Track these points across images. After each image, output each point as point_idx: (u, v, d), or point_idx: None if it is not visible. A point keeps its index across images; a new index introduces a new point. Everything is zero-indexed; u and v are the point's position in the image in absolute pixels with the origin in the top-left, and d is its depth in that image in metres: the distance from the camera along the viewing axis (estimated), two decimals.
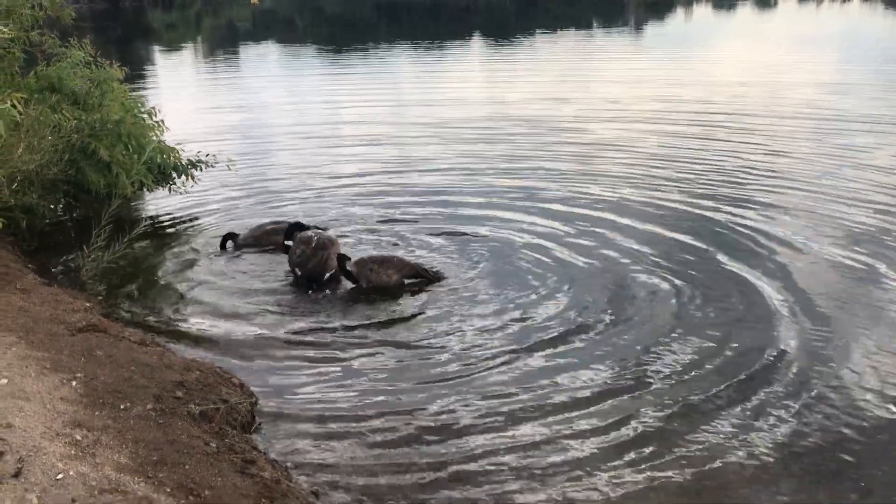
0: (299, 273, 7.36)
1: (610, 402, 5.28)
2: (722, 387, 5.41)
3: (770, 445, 4.75)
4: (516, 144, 13.65)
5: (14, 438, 3.68)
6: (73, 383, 4.46)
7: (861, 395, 5.32)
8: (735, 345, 6.03)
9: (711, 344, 6.05)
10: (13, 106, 5.54)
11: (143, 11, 71.63)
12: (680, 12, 72.10)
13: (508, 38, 42.25)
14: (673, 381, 5.51)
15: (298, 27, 57.98)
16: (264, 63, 31.51)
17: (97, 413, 4.18)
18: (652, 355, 5.91)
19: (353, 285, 7.25)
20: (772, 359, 5.80)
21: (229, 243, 8.33)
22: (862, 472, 4.55)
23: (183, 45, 41.23)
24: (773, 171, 11.30)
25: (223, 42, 43.59)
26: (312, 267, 7.29)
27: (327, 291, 7.26)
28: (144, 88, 20.39)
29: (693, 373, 5.62)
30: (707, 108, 17.27)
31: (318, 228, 8.07)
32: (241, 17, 69.41)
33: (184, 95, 20.94)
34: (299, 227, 7.97)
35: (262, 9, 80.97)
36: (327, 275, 7.40)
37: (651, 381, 5.54)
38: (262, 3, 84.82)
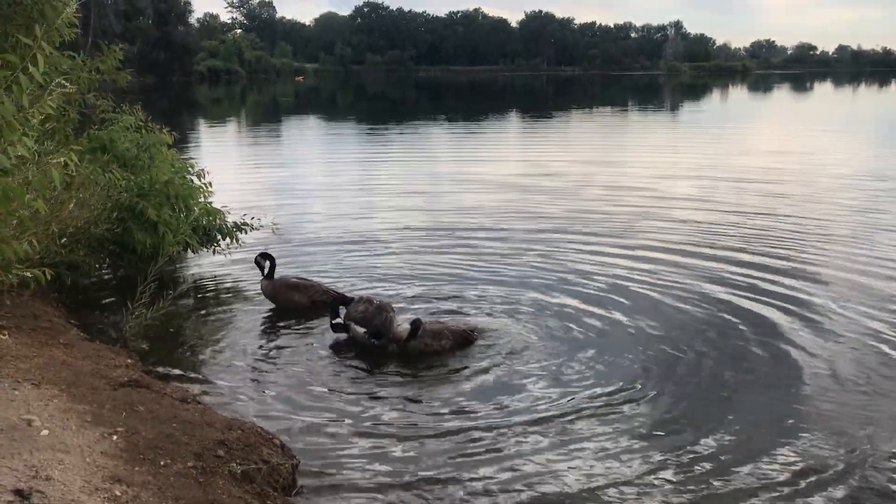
0: (362, 331, 7.16)
1: (639, 465, 5.07)
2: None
3: None
4: (551, 209, 13.75)
5: (52, 492, 3.54)
6: (114, 437, 4.33)
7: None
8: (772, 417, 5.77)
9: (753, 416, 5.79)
10: (70, 161, 5.58)
11: (190, 87, 74.05)
12: (716, 94, 72.83)
13: (545, 116, 42.82)
14: (713, 456, 5.24)
15: (339, 105, 59.42)
16: (306, 135, 32.21)
17: (137, 468, 4.03)
18: (689, 425, 5.69)
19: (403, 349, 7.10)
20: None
21: (267, 263, 8.41)
22: None
23: (228, 118, 42.37)
24: (809, 242, 11.19)
25: (266, 116, 44.75)
26: (378, 323, 7.16)
27: (391, 348, 7.12)
28: (190, 156, 20.83)
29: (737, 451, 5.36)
30: (742, 179, 17.39)
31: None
32: (284, 94, 71.43)
33: (228, 163, 21.35)
34: (344, 301, 7.84)
35: (306, 86, 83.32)
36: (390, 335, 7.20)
37: (686, 449, 5.31)
38: (305, 80, 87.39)
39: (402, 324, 7.07)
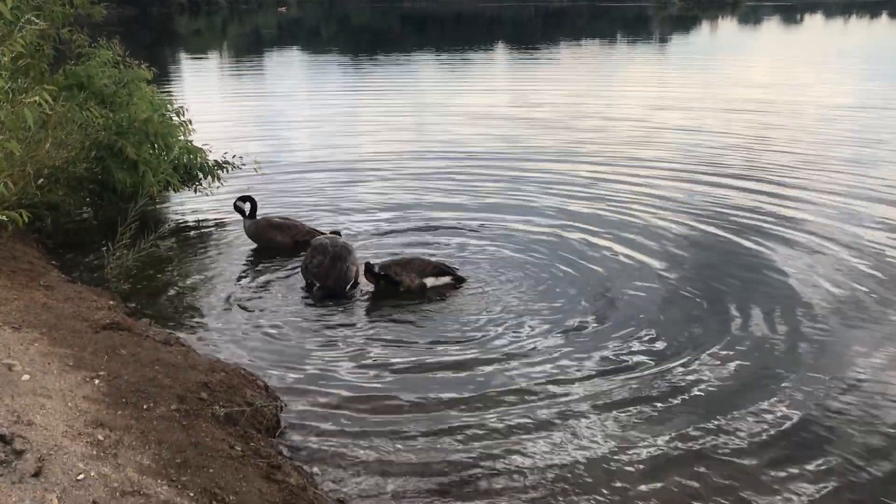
0: (317, 285, 7.01)
1: (631, 408, 5.12)
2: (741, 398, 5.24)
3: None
4: (538, 148, 13.65)
5: (35, 436, 3.56)
6: (96, 381, 4.33)
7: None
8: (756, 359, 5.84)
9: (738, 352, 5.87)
10: (44, 100, 5.45)
11: (171, 18, 72.41)
12: (705, 26, 71.81)
13: (533, 48, 42.22)
14: (705, 400, 5.30)
15: (323, 36, 58.25)
16: (289, 69, 31.65)
17: (120, 412, 4.05)
18: (680, 365, 5.71)
19: (379, 286, 7.09)
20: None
21: (247, 205, 8.41)
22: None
23: (209, 50, 41.52)
24: (796, 184, 11.10)
25: (248, 49, 43.87)
26: (333, 283, 6.94)
27: (348, 301, 6.98)
28: (170, 91, 20.49)
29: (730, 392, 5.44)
30: (733, 109, 17.41)
31: (335, 234, 7.89)
32: (266, 25, 69.90)
33: (209, 99, 21.02)
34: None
35: (288, 18, 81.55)
36: (348, 287, 7.04)
37: (674, 388, 5.37)
38: (288, 11, 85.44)
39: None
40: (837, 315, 6.54)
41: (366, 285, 7.16)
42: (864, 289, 7.07)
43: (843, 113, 17.32)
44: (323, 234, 8.17)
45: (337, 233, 7.82)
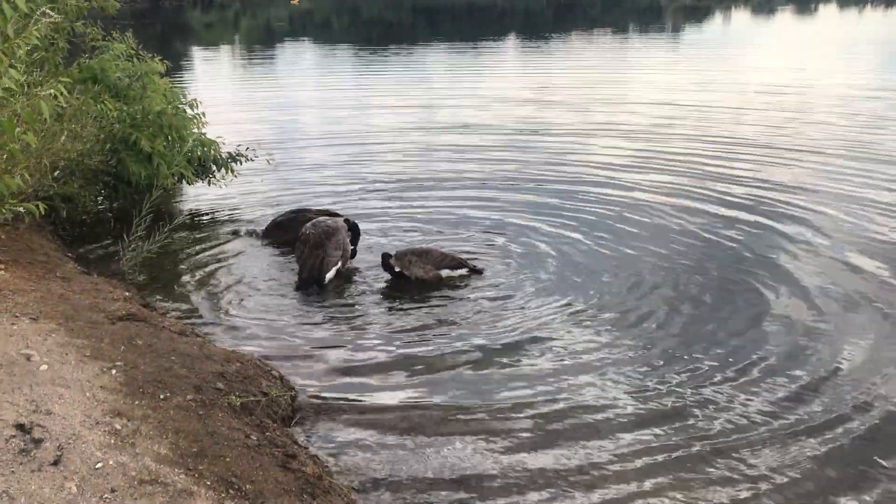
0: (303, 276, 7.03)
1: (641, 404, 5.10)
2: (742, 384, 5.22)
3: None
4: (552, 141, 13.59)
5: (53, 426, 3.59)
6: (113, 372, 4.36)
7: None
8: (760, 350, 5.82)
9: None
10: (60, 94, 5.48)
11: (183, 11, 72.60)
12: (718, 17, 71.33)
13: (544, 39, 42.07)
14: (716, 399, 5.27)
15: (335, 28, 58.23)
16: (301, 61, 31.66)
17: (137, 402, 4.08)
18: (693, 359, 5.69)
19: (396, 278, 7.11)
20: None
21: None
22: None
23: (221, 43, 41.60)
24: (807, 175, 11.02)
25: (260, 41, 43.92)
26: (307, 274, 6.94)
27: (325, 292, 6.91)
28: (183, 83, 20.55)
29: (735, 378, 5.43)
30: (741, 108, 17.24)
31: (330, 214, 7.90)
32: (278, 18, 69.91)
33: (221, 91, 21.03)
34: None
35: (300, 10, 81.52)
36: (329, 275, 6.99)
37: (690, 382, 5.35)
38: (300, 4, 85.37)
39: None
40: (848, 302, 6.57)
41: (359, 275, 7.24)
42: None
43: (864, 94, 17.60)
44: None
45: (347, 221, 7.78)
